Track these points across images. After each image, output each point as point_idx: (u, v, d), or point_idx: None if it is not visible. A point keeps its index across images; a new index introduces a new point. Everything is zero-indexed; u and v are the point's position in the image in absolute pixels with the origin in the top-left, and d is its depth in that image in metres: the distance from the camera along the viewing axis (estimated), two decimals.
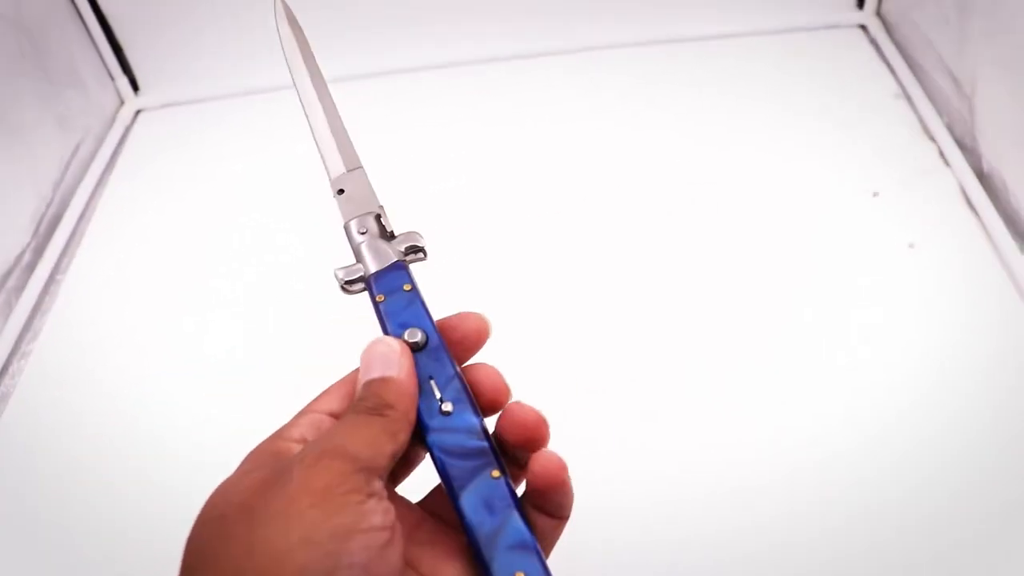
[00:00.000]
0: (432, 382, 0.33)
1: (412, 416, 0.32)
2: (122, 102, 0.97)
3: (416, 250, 0.37)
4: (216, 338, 0.71)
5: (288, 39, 0.45)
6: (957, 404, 0.58)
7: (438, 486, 0.34)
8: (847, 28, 0.94)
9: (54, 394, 0.68)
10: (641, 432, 0.59)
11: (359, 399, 0.32)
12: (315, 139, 0.41)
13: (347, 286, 0.36)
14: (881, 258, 0.69)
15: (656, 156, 0.81)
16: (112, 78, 0.96)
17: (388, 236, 0.37)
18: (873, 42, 0.92)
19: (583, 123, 0.86)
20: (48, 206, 0.83)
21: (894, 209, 0.73)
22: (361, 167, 0.40)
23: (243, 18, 0.93)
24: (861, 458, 0.56)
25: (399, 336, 0.33)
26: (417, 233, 0.37)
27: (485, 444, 0.32)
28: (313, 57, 0.45)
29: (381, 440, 0.30)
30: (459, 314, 0.35)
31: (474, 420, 0.32)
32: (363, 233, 0.37)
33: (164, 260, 0.78)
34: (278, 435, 0.32)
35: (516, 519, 0.30)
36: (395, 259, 0.36)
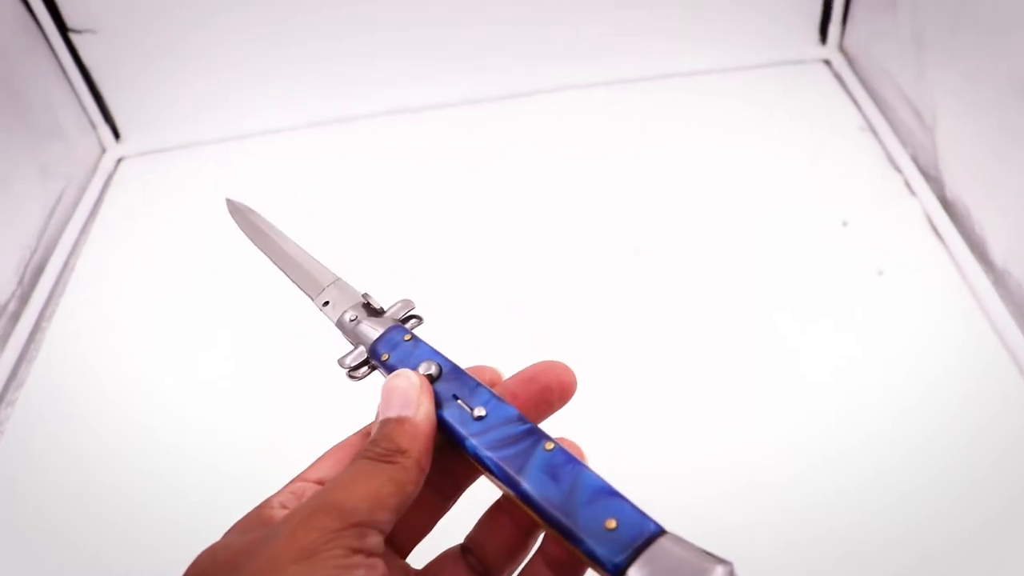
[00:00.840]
0: (458, 401, 0.32)
1: (425, 463, 0.31)
2: (104, 150, 0.98)
3: (410, 317, 0.38)
4: (203, 384, 0.71)
5: (248, 227, 0.50)
6: (926, 427, 0.60)
7: (445, 553, 0.34)
8: (811, 63, 0.97)
9: (40, 442, 0.69)
10: (624, 455, 0.61)
11: (371, 442, 0.31)
12: (289, 277, 0.44)
13: (353, 372, 0.37)
14: (851, 285, 0.71)
15: (626, 192, 0.83)
16: (93, 126, 0.97)
17: (379, 312, 0.38)
18: (837, 76, 0.95)
19: (551, 162, 0.88)
20: (32, 255, 0.84)
21: (863, 237, 0.75)
22: (337, 279, 0.42)
23: (223, 65, 0.94)
24: (831, 479, 0.58)
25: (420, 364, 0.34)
26: (408, 300, 0.39)
27: (529, 424, 0.31)
28: (269, 225, 0.49)
29: (385, 492, 0.29)
30: (539, 364, 0.34)
31: (511, 410, 0.32)
32: (354, 320, 0.38)
33: (148, 307, 0.79)
34: (264, 503, 0.32)
35: (584, 472, 0.29)
36: (391, 325, 0.37)
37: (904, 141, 0.84)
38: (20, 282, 0.81)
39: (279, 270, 0.45)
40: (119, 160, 0.98)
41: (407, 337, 0.36)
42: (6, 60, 0.84)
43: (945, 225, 0.75)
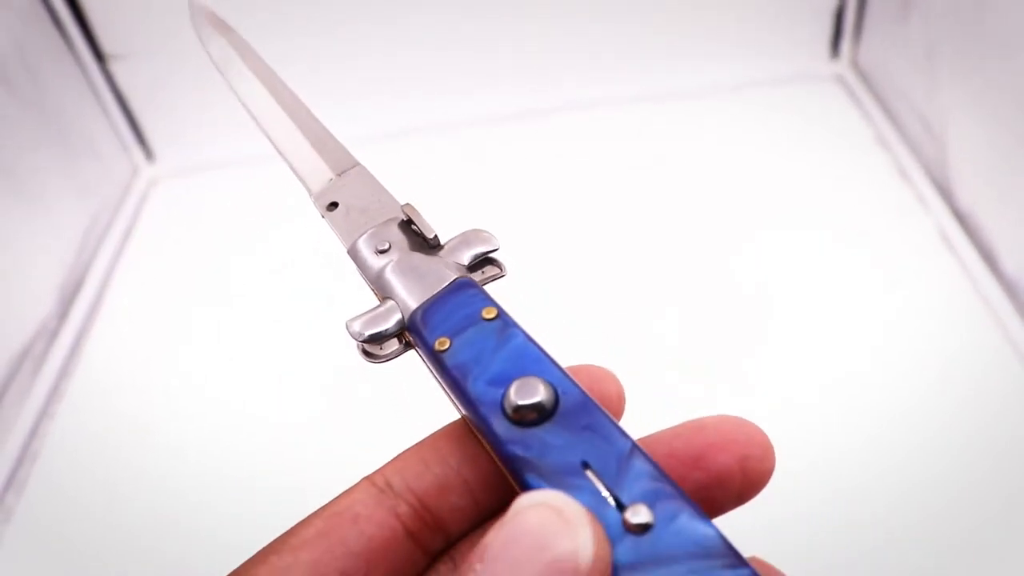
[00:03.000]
0: (591, 475, 0.17)
1: None
2: (136, 171, 1.02)
3: (488, 261, 0.24)
4: (239, 402, 0.74)
5: (218, 46, 0.30)
6: (939, 439, 0.61)
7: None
8: (823, 78, 0.99)
9: (80, 454, 0.71)
10: None
11: None
12: (282, 153, 0.29)
13: (370, 347, 0.23)
14: (863, 297, 0.73)
15: (636, 208, 0.85)
16: (126, 148, 1.01)
17: (432, 244, 0.24)
18: (849, 90, 0.97)
19: (564, 180, 0.90)
20: (70, 273, 0.87)
21: (875, 250, 0.77)
22: (358, 165, 0.27)
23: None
24: (842, 487, 0.59)
25: (490, 400, 0.18)
26: (485, 232, 0.24)
27: (741, 568, 0.17)
28: (259, 58, 0.30)
29: None
30: (707, 421, 0.22)
31: (702, 526, 0.17)
32: (384, 251, 0.24)
33: (184, 323, 0.82)
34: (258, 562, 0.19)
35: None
36: (455, 276, 0.22)
37: (916, 154, 0.86)
38: (59, 300, 0.84)
39: (259, 128, 0.28)
40: (152, 180, 1.01)
41: (488, 314, 0.20)
42: (44, 86, 0.87)
43: (957, 237, 0.76)
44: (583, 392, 0.19)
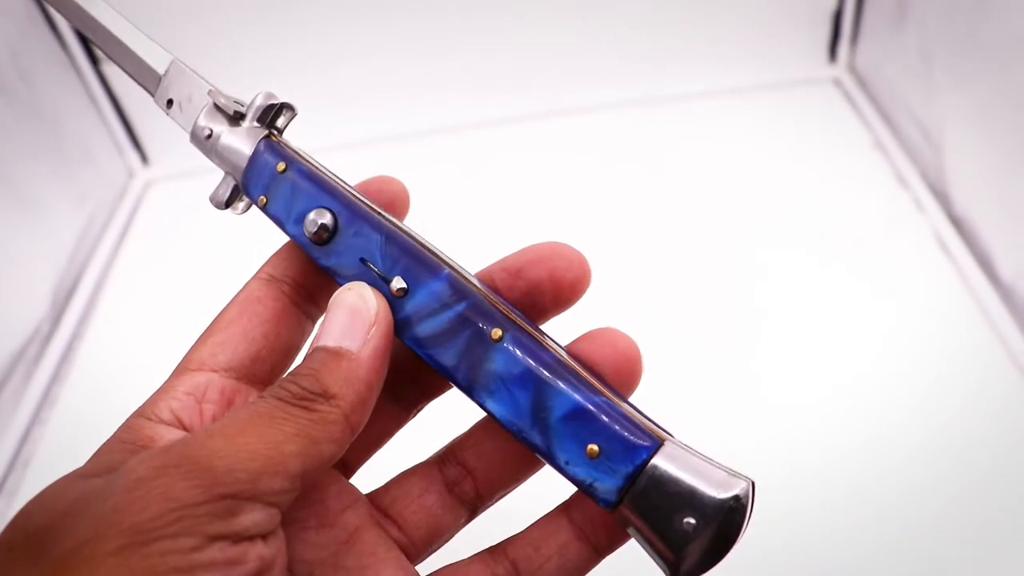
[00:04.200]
0: (368, 265, 0.25)
1: (358, 419, 0.22)
2: (132, 175, 1.01)
3: (272, 113, 0.29)
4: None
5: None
6: (935, 442, 0.61)
7: (414, 467, 0.27)
8: (821, 83, 0.99)
9: (73, 459, 0.71)
10: None
11: (290, 375, 0.22)
12: (114, 58, 0.32)
13: (225, 208, 0.29)
14: (861, 301, 0.73)
15: (633, 211, 0.85)
16: (121, 152, 1.00)
17: (237, 115, 0.29)
18: (846, 95, 0.97)
19: (558, 183, 0.90)
20: (64, 277, 0.87)
21: (872, 254, 0.77)
22: (173, 59, 0.31)
23: (249, 88, 0.97)
24: (836, 489, 0.59)
25: (299, 233, 0.26)
26: (268, 92, 0.29)
27: (467, 303, 0.24)
28: None
29: (287, 450, 0.20)
30: (533, 248, 0.27)
31: (440, 285, 0.24)
32: (209, 136, 0.29)
33: (177, 327, 0.81)
34: (141, 411, 0.23)
35: (547, 385, 0.23)
36: (257, 139, 0.28)
37: (913, 159, 0.86)
38: (52, 304, 0.84)
39: (109, 58, 0.33)
40: (147, 184, 1.01)
41: (280, 167, 0.27)
42: (39, 89, 0.87)
43: (953, 242, 0.76)
44: (358, 205, 0.26)
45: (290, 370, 0.23)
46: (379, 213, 0.26)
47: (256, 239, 0.84)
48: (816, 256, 0.77)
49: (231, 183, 0.29)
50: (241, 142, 0.28)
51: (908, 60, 0.85)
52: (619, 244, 0.82)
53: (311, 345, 0.24)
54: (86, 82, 0.94)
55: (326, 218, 0.25)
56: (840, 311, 0.72)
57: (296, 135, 1.05)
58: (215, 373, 0.25)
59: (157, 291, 0.86)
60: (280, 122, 0.29)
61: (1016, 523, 0.56)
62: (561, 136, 0.97)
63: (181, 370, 0.26)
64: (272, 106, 0.29)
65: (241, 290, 0.28)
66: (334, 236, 0.25)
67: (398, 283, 0.24)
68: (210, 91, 0.29)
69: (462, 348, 0.23)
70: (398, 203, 0.29)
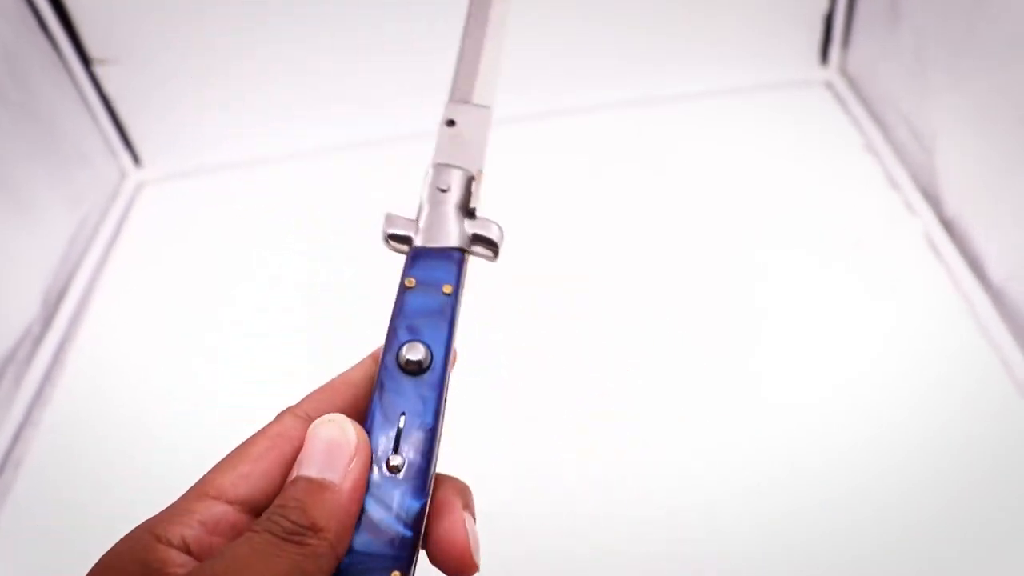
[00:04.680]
0: (402, 418, 0.24)
1: (342, 548, 0.23)
2: (124, 176, 1.01)
3: (487, 243, 0.29)
4: (224, 408, 0.73)
5: None
6: (923, 442, 0.61)
7: None
8: (813, 85, 0.99)
9: (65, 461, 0.71)
10: (625, 459, 0.62)
11: (274, 509, 0.23)
12: (459, 52, 0.33)
13: (389, 239, 0.29)
14: (851, 303, 0.73)
15: (625, 211, 0.85)
16: (114, 153, 1.00)
17: (466, 210, 0.29)
18: (838, 97, 0.97)
19: (549, 183, 0.90)
20: (55, 279, 0.86)
21: (863, 256, 0.77)
22: (490, 107, 0.32)
23: (242, 91, 0.97)
24: (824, 491, 0.59)
25: (399, 347, 0.25)
26: (496, 224, 0.29)
27: (404, 535, 0.24)
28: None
29: None
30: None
31: (415, 503, 0.24)
32: (443, 191, 0.29)
33: (168, 328, 0.81)
34: (154, 529, 0.25)
35: None
36: (457, 243, 0.28)
37: (904, 162, 0.86)
38: (44, 305, 0.84)
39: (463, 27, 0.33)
40: (139, 185, 1.00)
41: (447, 289, 0.27)
42: (30, 90, 0.87)
43: (944, 244, 0.76)
44: (445, 370, 0.25)
45: (277, 503, 0.24)
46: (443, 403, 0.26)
47: (247, 243, 0.84)
48: (808, 258, 0.77)
49: (408, 230, 0.28)
50: (450, 229, 0.28)
51: (899, 63, 0.86)
52: (615, 244, 0.82)
53: (292, 473, 0.24)
54: (78, 84, 0.94)
55: (420, 354, 0.25)
56: (832, 313, 0.72)
57: (298, 134, 1.04)
58: (231, 506, 0.25)
59: (149, 293, 0.86)
60: (476, 249, 0.29)
61: (1012, 522, 0.56)
62: (556, 137, 0.97)
63: (201, 493, 0.26)
64: (490, 238, 0.28)
65: (274, 422, 0.27)
66: (411, 375, 0.25)
67: (395, 460, 0.24)
68: (480, 170, 0.30)
69: (380, 563, 0.24)
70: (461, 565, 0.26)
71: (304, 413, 0.27)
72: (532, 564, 0.58)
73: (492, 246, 0.28)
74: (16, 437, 0.73)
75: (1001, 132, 0.70)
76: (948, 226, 0.78)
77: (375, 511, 0.24)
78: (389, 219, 0.29)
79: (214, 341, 0.79)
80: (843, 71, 0.99)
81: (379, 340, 0.28)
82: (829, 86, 0.98)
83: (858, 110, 0.94)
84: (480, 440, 0.66)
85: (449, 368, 0.26)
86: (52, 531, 0.65)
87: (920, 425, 0.63)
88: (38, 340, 0.81)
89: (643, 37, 0.97)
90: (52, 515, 0.67)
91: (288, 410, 0.27)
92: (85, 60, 0.93)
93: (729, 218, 0.83)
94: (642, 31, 0.96)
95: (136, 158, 1.02)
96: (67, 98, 0.94)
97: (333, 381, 0.28)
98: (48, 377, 0.79)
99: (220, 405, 0.73)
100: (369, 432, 0.24)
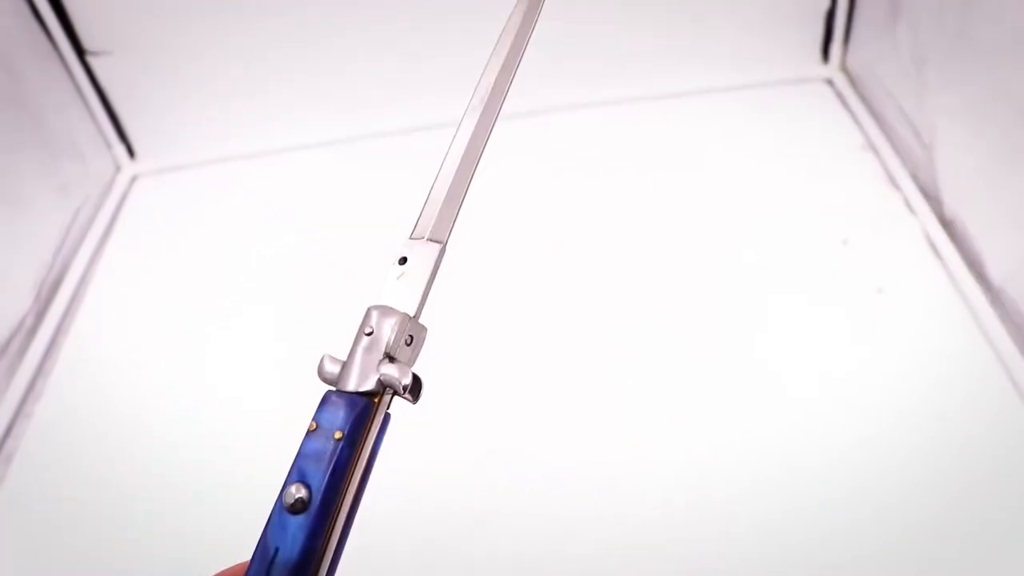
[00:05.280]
0: (277, 551, 0.25)
1: None
2: (119, 168, 1.00)
3: (395, 393, 0.28)
4: (216, 398, 0.73)
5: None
6: (921, 441, 0.61)
7: None
8: (814, 82, 0.99)
9: (57, 453, 0.70)
10: (620, 459, 0.62)
11: None
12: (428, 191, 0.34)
13: (324, 381, 0.29)
14: (851, 302, 0.72)
15: (625, 207, 0.85)
16: (108, 145, 0.99)
17: (388, 355, 0.28)
18: (839, 95, 0.96)
19: (550, 179, 0.90)
20: (49, 271, 0.86)
21: (863, 255, 0.76)
22: (443, 243, 0.31)
23: (236, 85, 0.97)
24: (823, 490, 0.59)
25: (285, 487, 0.26)
26: (411, 372, 0.28)
27: None
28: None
29: None
30: None
31: None
32: (367, 334, 0.28)
33: (162, 322, 0.81)
34: None
35: None
36: (365, 388, 0.27)
37: (904, 160, 0.85)
38: (37, 298, 0.83)
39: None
40: (133, 178, 1.00)
41: (337, 435, 0.26)
42: (25, 82, 0.86)
43: (943, 244, 0.76)
44: (327, 505, 0.26)
45: None
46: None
47: (241, 236, 0.84)
48: (803, 255, 0.77)
49: (333, 372, 0.28)
50: (366, 376, 0.27)
51: (900, 61, 0.85)
52: (611, 242, 0.81)
53: None
54: (73, 75, 0.93)
55: (302, 494, 0.25)
56: (826, 311, 0.72)
57: (293, 128, 1.03)
58: None
59: (143, 285, 0.85)
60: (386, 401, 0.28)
61: (999, 516, 0.56)
62: (548, 133, 0.96)
63: None
64: (397, 391, 0.28)
65: None
66: (295, 513, 0.25)
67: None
68: (415, 318, 0.29)
69: None
70: None
71: None
72: (532, 564, 0.57)
73: (398, 394, 0.28)
74: (9, 430, 0.72)
75: (1000, 131, 0.69)
76: (948, 225, 0.77)
77: None
78: (323, 360, 0.28)
79: (207, 334, 0.79)
80: (844, 68, 0.99)
81: None
82: (830, 84, 0.98)
83: (858, 108, 0.93)
84: (478, 440, 0.66)
85: (338, 509, 0.26)
86: (45, 526, 0.65)
87: (917, 424, 0.62)
88: (32, 332, 0.81)
89: (646, 33, 0.96)
90: (45, 510, 0.66)
91: None
92: (80, 51, 0.92)
93: (725, 215, 0.82)
94: (645, 27, 0.96)
95: (131, 151, 1.01)
96: (61, 89, 0.93)
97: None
98: (41, 369, 0.78)
99: (214, 397, 0.73)
100: (251, 560, 0.25)
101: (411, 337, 0.29)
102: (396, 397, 0.28)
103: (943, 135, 0.78)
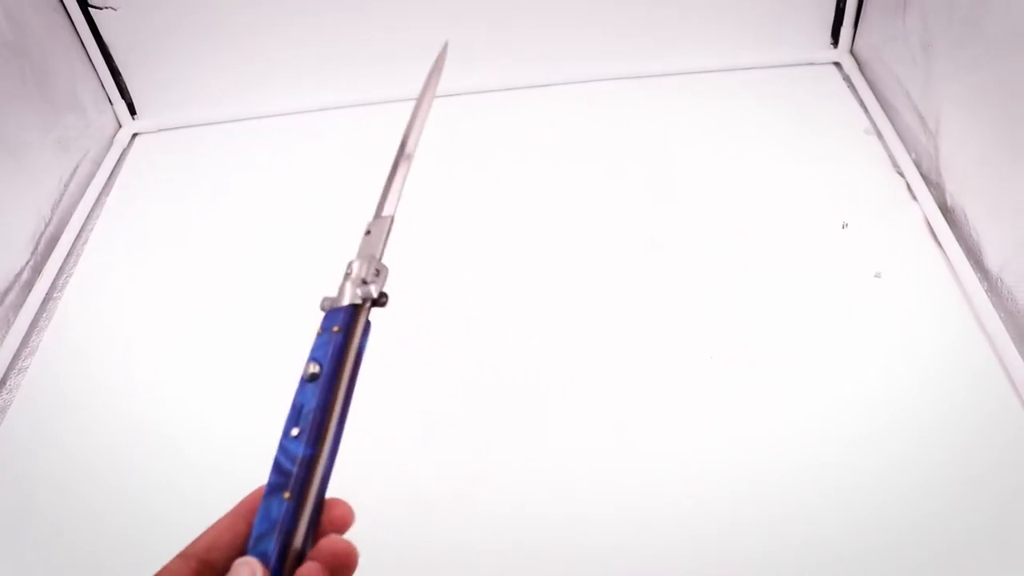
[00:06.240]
0: (303, 407, 0.33)
1: None
2: (120, 125, 1.00)
3: (372, 300, 0.37)
4: (212, 355, 0.73)
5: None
6: (916, 428, 0.61)
7: None
8: (822, 65, 0.98)
9: (50, 408, 0.71)
10: (627, 448, 0.62)
11: None
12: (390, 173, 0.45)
13: (321, 308, 0.38)
14: (849, 286, 0.72)
15: (630, 188, 0.84)
16: (111, 102, 0.99)
17: (360, 282, 0.37)
18: (846, 79, 0.96)
19: (556, 156, 0.89)
20: (47, 225, 0.85)
21: (863, 240, 0.76)
22: (392, 215, 0.41)
23: (239, 46, 0.96)
24: (820, 480, 0.59)
25: (305, 365, 0.34)
26: (373, 287, 0.37)
27: (293, 470, 0.32)
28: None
29: None
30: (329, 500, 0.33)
31: (299, 449, 0.32)
32: (347, 274, 0.38)
33: (159, 279, 0.81)
34: None
35: (271, 541, 0.30)
36: (347, 302, 0.37)
37: (908, 146, 0.85)
38: (34, 252, 0.83)
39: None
40: (134, 136, 0.99)
41: (336, 328, 0.35)
42: (28, 34, 0.85)
43: (944, 231, 0.76)
44: (335, 373, 0.34)
45: None
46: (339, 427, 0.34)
47: (240, 196, 0.83)
48: (804, 238, 0.77)
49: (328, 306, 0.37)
50: (348, 296, 0.37)
51: (908, 47, 0.85)
52: (611, 222, 0.81)
53: None
54: (76, 27, 0.93)
55: (316, 369, 0.34)
56: (824, 295, 0.72)
57: (295, 92, 1.03)
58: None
59: (140, 243, 0.85)
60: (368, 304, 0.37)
61: (995, 505, 0.56)
62: (555, 108, 0.96)
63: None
64: (373, 297, 0.37)
65: (166, 566, 0.30)
66: (308, 382, 0.34)
67: (294, 431, 0.33)
68: (380, 262, 0.38)
69: (275, 483, 0.32)
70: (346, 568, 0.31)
71: (193, 554, 0.31)
72: (532, 563, 0.57)
73: (375, 302, 0.37)
74: (2, 383, 0.73)
75: (1006, 120, 0.69)
76: (948, 213, 0.77)
77: (279, 455, 0.32)
78: (322, 299, 0.37)
79: (203, 293, 0.78)
80: (852, 52, 0.98)
81: None
82: (838, 67, 0.97)
83: (865, 92, 0.93)
84: (474, 440, 0.66)
85: (340, 378, 0.34)
86: (35, 476, 0.65)
87: (910, 410, 0.62)
88: (28, 286, 0.81)
89: (657, 9, 0.96)
90: (37, 465, 0.66)
91: (179, 554, 0.31)
92: (83, 4, 0.91)
93: (726, 196, 0.82)
94: (656, 5, 0.95)
95: (132, 108, 1.01)
96: (64, 44, 0.92)
97: (219, 521, 0.32)
98: (36, 323, 0.78)
99: (207, 357, 0.73)
100: (288, 416, 0.33)
101: (377, 271, 0.38)
102: (373, 307, 0.37)
103: (947, 122, 0.78)
